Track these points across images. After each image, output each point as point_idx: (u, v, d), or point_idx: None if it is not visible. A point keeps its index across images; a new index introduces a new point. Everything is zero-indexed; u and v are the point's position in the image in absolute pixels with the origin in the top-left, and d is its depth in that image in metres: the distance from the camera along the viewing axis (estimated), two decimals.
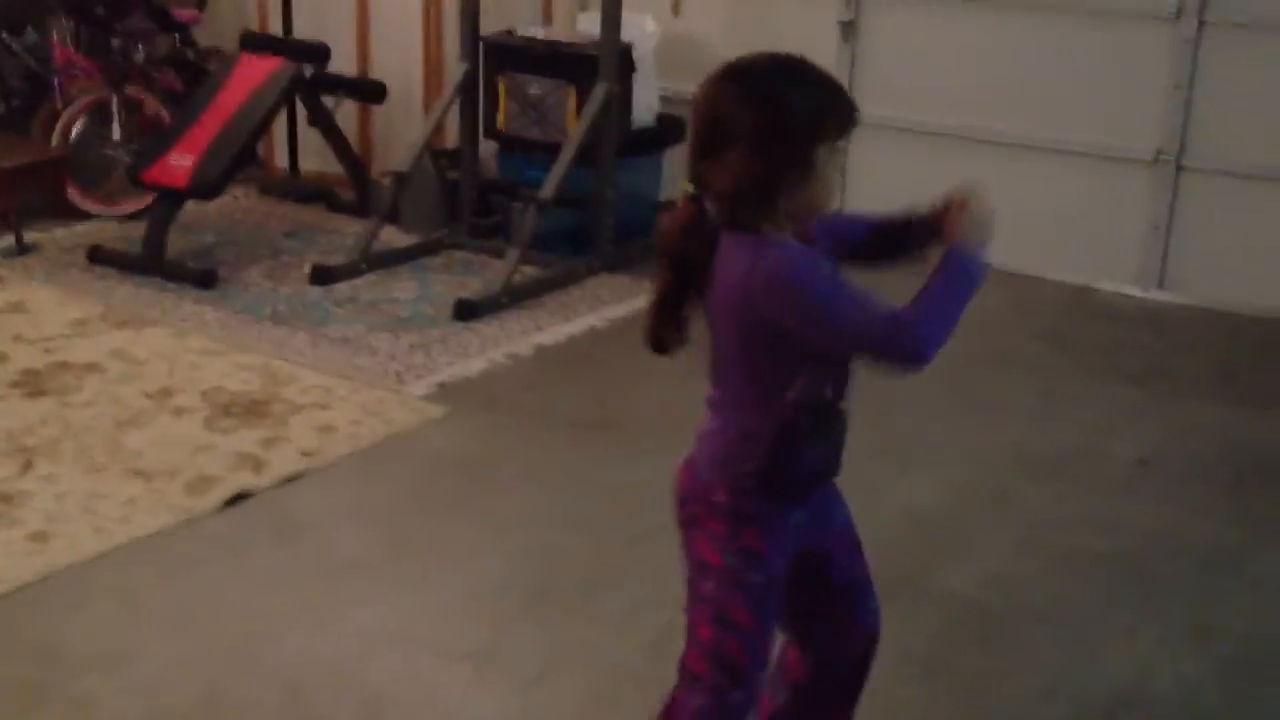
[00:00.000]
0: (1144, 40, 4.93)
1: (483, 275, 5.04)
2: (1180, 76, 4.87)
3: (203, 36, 6.14)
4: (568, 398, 4.03)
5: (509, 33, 5.33)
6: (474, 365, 4.21)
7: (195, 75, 5.95)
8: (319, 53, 5.54)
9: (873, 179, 5.02)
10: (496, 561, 3.09)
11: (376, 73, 5.99)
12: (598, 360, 4.32)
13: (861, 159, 4.95)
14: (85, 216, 5.51)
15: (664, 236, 1.93)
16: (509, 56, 5.24)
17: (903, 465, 3.63)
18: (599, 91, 4.93)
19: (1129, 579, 3.14)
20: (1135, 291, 5.08)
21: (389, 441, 3.67)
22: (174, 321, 4.49)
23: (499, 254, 5.15)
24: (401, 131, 5.93)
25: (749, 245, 1.84)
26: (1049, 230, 5.12)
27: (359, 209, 5.69)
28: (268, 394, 3.93)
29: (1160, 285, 5.06)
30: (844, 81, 5.23)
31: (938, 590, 3.04)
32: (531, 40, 5.26)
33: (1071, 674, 2.75)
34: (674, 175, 5.50)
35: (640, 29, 5.26)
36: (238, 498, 3.32)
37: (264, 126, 5.27)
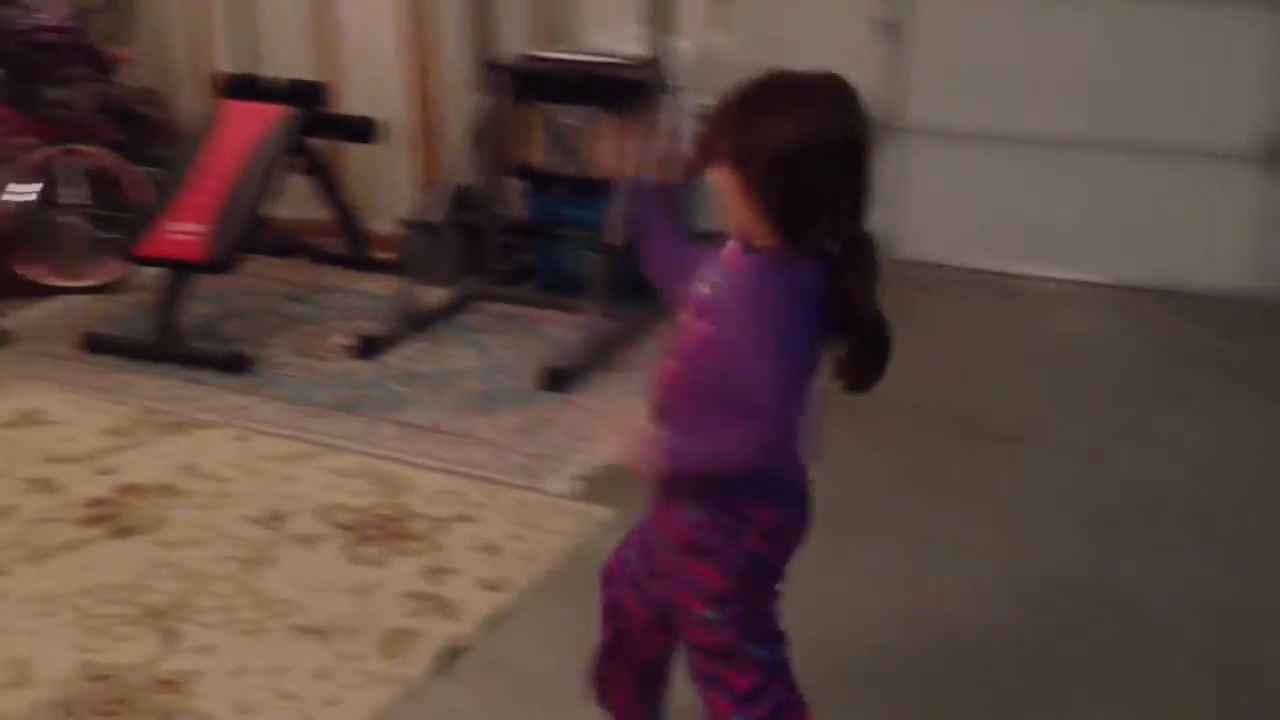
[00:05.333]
0: (1242, 27, 4.63)
1: (539, 333, 4.57)
2: None
3: (127, 75, 5.43)
4: None
5: (529, 57, 4.81)
6: (602, 448, 3.75)
7: (135, 121, 5.29)
8: (312, 94, 4.93)
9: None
10: None
11: (343, 107, 5.37)
12: None
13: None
14: (38, 293, 4.83)
15: None
16: (534, 83, 4.73)
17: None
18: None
19: None
20: (1239, 287, 4.84)
21: (571, 560, 3.18)
22: (226, 421, 3.90)
23: (534, 303, 4.76)
24: (380, 173, 5.38)
25: None
26: (1150, 234, 4.93)
27: (352, 261, 5.16)
28: (394, 508, 3.40)
29: (1262, 279, 4.82)
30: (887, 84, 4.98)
31: None
32: (560, 64, 4.74)
33: None
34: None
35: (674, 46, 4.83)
36: (448, 654, 2.82)
37: (272, 185, 4.63)
